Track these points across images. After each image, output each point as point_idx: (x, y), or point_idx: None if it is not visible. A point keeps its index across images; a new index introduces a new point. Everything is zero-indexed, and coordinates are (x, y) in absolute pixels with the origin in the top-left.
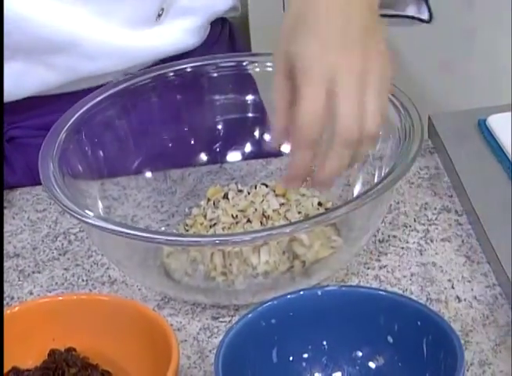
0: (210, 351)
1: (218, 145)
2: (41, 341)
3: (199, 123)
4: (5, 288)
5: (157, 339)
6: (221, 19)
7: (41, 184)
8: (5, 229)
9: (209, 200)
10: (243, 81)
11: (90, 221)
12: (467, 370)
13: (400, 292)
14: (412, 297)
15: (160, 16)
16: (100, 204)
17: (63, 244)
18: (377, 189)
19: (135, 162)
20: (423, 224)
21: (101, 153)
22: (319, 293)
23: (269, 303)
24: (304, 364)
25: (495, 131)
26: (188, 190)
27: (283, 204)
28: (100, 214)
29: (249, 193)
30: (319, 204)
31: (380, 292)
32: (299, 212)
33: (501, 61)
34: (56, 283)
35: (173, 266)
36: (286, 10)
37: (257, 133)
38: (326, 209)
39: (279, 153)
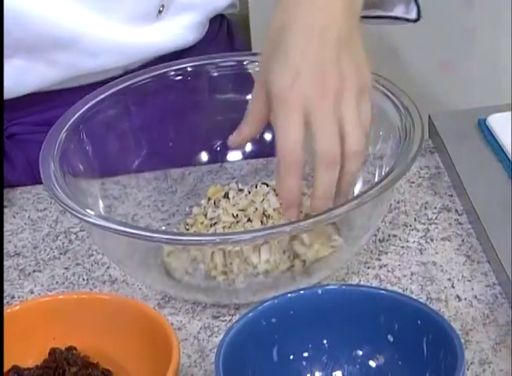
0: (210, 350)
1: (218, 144)
2: (42, 340)
3: (199, 122)
4: (6, 287)
5: (158, 338)
6: (220, 16)
7: (41, 182)
8: (5, 228)
9: (209, 199)
10: (244, 81)
11: (91, 220)
12: (467, 369)
13: (400, 291)
14: (413, 296)
15: (160, 12)
16: (101, 203)
17: (63, 243)
18: (378, 189)
19: (136, 161)
20: (424, 223)
21: (102, 152)
22: (320, 292)
23: (270, 302)
24: (304, 363)
25: (496, 131)
26: (188, 189)
27: None
28: (101, 213)
29: (249, 193)
30: None
31: (381, 291)
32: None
33: (501, 61)
34: (57, 282)
35: (173, 265)
36: (270, 21)
37: None
38: None
39: None
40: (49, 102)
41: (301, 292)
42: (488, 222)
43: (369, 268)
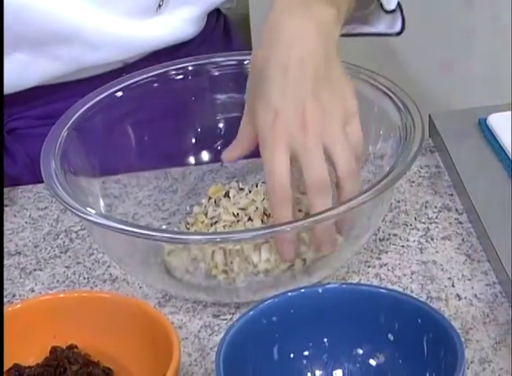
0: (211, 349)
1: (219, 143)
2: (43, 339)
3: (200, 121)
4: (7, 286)
5: (158, 337)
6: (216, 11)
7: (42, 178)
8: (6, 227)
9: (210, 198)
10: (244, 80)
11: (91, 219)
12: (467, 368)
13: (400, 290)
14: (413, 295)
15: (160, 6)
16: (102, 202)
17: (64, 242)
18: (378, 188)
19: (137, 160)
20: (424, 222)
21: (102, 151)
22: (320, 291)
23: (270, 301)
24: (304, 362)
25: (496, 130)
26: (189, 189)
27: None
28: (101, 212)
29: (250, 192)
30: None
31: (381, 290)
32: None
33: (501, 61)
34: (58, 280)
35: (174, 264)
36: (251, 58)
37: None
38: None
39: None
40: (50, 96)
41: (302, 291)
42: (489, 222)
43: (369, 267)
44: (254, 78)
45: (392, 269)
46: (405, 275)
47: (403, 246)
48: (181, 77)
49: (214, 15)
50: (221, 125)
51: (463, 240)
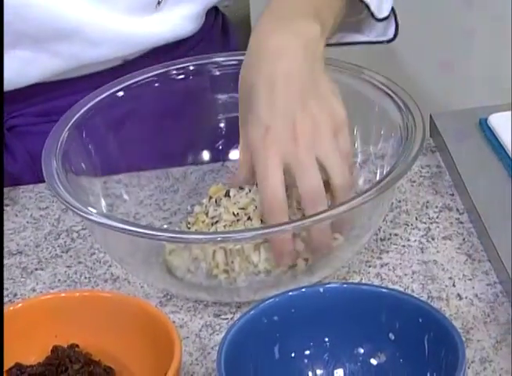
0: (212, 348)
1: (220, 143)
2: (44, 338)
3: (201, 121)
4: (8, 285)
5: (160, 336)
6: (215, 9)
7: (42, 175)
8: (8, 227)
9: (211, 198)
10: None
11: (93, 218)
12: (468, 368)
13: (401, 290)
14: (414, 295)
15: (159, 3)
16: (103, 202)
17: (65, 242)
18: (379, 188)
19: (138, 160)
20: (425, 222)
21: (104, 150)
22: (321, 290)
23: (271, 300)
24: (305, 361)
25: (496, 130)
26: (190, 188)
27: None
28: (103, 211)
29: (250, 191)
30: None
31: (382, 289)
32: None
33: (501, 61)
34: (59, 280)
35: (175, 263)
36: (240, 76)
37: None
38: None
39: None
40: (51, 93)
41: (303, 290)
42: (489, 221)
43: (370, 267)
44: (244, 99)
45: (393, 269)
46: (406, 275)
47: (404, 246)
48: (182, 77)
49: (213, 13)
50: (222, 125)
51: (463, 239)
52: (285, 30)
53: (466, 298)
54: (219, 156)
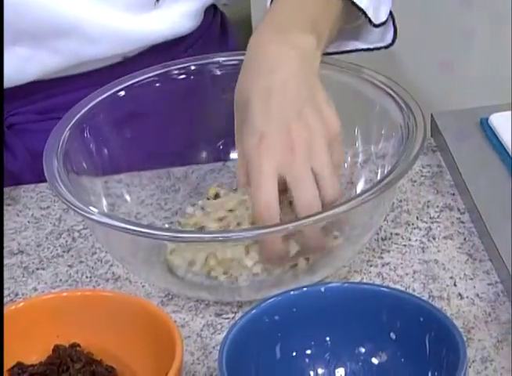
0: (213, 347)
1: (221, 143)
2: (46, 337)
3: (202, 121)
4: (10, 285)
5: (161, 335)
6: (214, 8)
7: (42, 173)
8: (9, 226)
9: (208, 199)
10: None
11: (94, 218)
12: (469, 367)
13: (402, 289)
14: (415, 294)
15: (158, 0)
16: (104, 202)
17: (67, 241)
18: (380, 187)
19: (139, 160)
20: (426, 222)
21: (105, 150)
22: (322, 289)
23: (272, 299)
24: (307, 360)
25: (497, 130)
26: (191, 188)
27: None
28: (104, 211)
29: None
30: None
31: (383, 289)
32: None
33: (501, 61)
34: (60, 279)
35: (176, 263)
36: (236, 86)
37: None
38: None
39: None
40: (50, 90)
41: (304, 290)
42: (490, 221)
43: (371, 266)
44: (240, 109)
45: (394, 269)
46: (407, 274)
47: (405, 245)
48: (183, 76)
49: (211, 11)
50: (223, 125)
51: (464, 239)
52: (280, 42)
53: (467, 297)
54: (220, 155)
